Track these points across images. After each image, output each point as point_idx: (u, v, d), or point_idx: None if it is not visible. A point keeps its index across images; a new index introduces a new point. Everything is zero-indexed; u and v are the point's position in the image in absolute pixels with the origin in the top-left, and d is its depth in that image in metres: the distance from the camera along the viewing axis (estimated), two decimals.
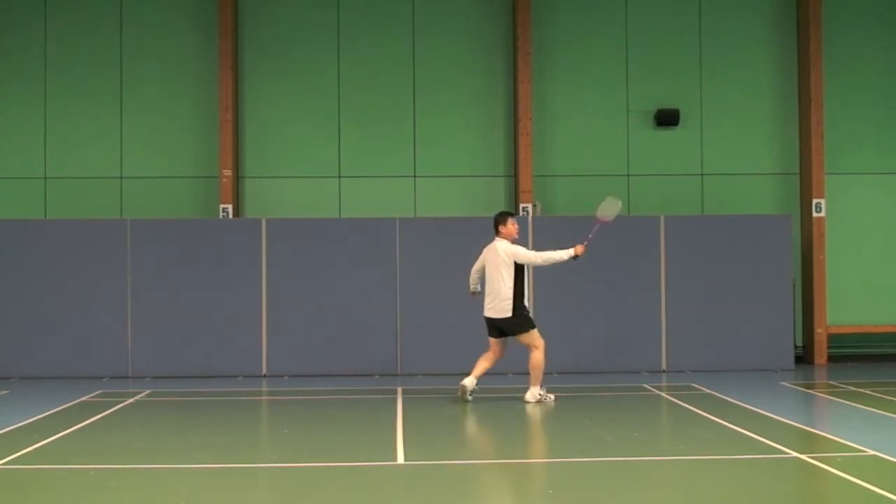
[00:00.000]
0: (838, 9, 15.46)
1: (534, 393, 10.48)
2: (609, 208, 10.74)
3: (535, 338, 10.36)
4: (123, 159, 15.14)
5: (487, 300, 10.39)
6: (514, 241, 10.46)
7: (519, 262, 10.25)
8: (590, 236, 10.49)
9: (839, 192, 15.31)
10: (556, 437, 8.63)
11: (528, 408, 10.80)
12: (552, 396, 10.63)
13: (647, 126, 15.38)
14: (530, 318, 10.43)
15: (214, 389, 12.13)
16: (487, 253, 10.51)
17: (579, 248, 10.28)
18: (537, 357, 10.37)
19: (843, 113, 15.41)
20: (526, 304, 10.48)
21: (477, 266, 10.67)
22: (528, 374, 10.55)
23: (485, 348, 10.65)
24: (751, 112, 15.45)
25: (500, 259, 10.28)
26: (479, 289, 10.74)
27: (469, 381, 10.39)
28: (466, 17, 15.43)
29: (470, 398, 10.43)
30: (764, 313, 13.84)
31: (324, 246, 13.70)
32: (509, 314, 10.23)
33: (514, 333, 10.39)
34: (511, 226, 10.47)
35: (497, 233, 10.51)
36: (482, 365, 10.52)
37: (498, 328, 10.44)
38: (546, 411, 10.51)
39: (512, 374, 13.48)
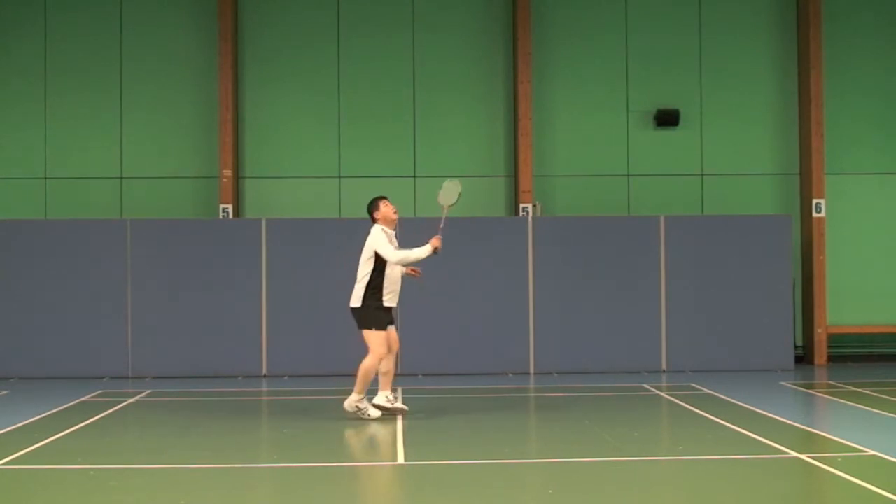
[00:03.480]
0: (838, 9, 15.45)
1: (352, 401, 9.34)
2: (449, 193, 9.66)
3: (373, 340, 9.22)
4: (123, 159, 15.14)
5: None
6: (394, 225, 9.47)
7: (379, 253, 9.23)
8: (441, 226, 9.41)
9: (839, 192, 15.31)
10: (556, 437, 8.62)
11: (528, 407, 10.82)
12: (372, 413, 9.31)
13: (647, 126, 15.38)
14: (377, 318, 9.25)
15: (214, 389, 12.13)
16: None
17: (436, 241, 9.21)
18: (367, 363, 9.20)
19: (843, 113, 15.41)
20: (385, 301, 9.32)
21: None
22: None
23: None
24: (751, 112, 15.45)
25: (365, 245, 9.35)
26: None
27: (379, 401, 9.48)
28: (466, 18, 15.43)
29: (398, 406, 9.55)
30: (764, 313, 13.85)
31: (324, 246, 13.70)
32: (358, 304, 9.28)
33: (359, 327, 9.34)
34: (384, 208, 9.44)
35: (373, 220, 9.46)
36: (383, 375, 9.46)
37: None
38: (546, 411, 10.50)
39: (511, 374, 13.49)
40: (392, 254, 9.18)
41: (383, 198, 9.55)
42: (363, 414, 9.30)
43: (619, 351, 13.71)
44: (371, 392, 9.46)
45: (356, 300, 9.31)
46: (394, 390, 9.88)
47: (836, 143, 15.30)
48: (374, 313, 9.25)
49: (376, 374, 9.36)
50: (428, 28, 15.37)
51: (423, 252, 9.17)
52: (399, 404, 9.60)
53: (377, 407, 9.41)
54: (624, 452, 7.68)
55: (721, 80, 15.42)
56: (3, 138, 15.13)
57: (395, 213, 9.51)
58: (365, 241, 9.36)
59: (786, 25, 15.48)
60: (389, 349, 9.39)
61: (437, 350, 13.36)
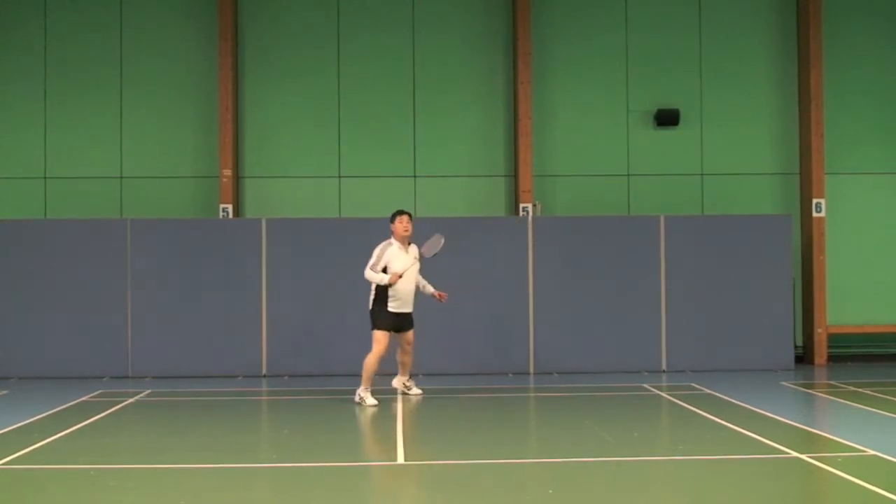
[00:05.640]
0: (838, 8, 15.45)
1: (358, 391, 10.46)
2: (433, 245, 10.69)
3: (374, 338, 10.39)
4: (123, 159, 15.14)
5: None
6: (405, 240, 10.46)
7: None
8: (402, 271, 10.36)
9: (839, 192, 15.31)
10: (557, 437, 8.62)
11: (528, 407, 10.83)
12: (371, 401, 10.29)
13: (647, 126, 15.38)
14: (378, 319, 10.36)
15: (214, 389, 12.13)
16: None
17: (393, 278, 10.22)
18: (367, 358, 10.36)
19: (843, 113, 15.41)
20: (389, 306, 10.37)
21: None
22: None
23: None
24: (751, 112, 15.45)
25: None
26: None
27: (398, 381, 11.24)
28: (466, 18, 15.43)
29: (413, 392, 11.18)
30: (764, 313, 13.84)
31: (324, 246, 13.70)
32: (369, 307, 10.49)
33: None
34: (397, 224, 10.49)
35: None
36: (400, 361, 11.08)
37: None
38: (546, 412, 10.51)
39: (511, 374, 13.49)
40: (367, 269, 10.32)
41: (401, 213, 10.50)
42: (362, 403, 10.32)
43: (619, 351, 13.71)
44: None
45: (368, 304, 10.49)
46: (410, 377, 11.31)
47: (836, 143, 15.30)
48: (375, 315, 10.39)
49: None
50: (428, 28, 15.37)
51: (381, 279, 10.23)
52: (415, 390, 11.16)
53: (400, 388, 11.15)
54: (624, 452, 7.68)
55: (721, 80, 15.42)
56: (3, 138, 15.13)
57: (405, 230, 10.40)
58: None
59: (786, 25, 15.48)
60: (402, 349, 10.82)
61: (438, 350, 13.34)
